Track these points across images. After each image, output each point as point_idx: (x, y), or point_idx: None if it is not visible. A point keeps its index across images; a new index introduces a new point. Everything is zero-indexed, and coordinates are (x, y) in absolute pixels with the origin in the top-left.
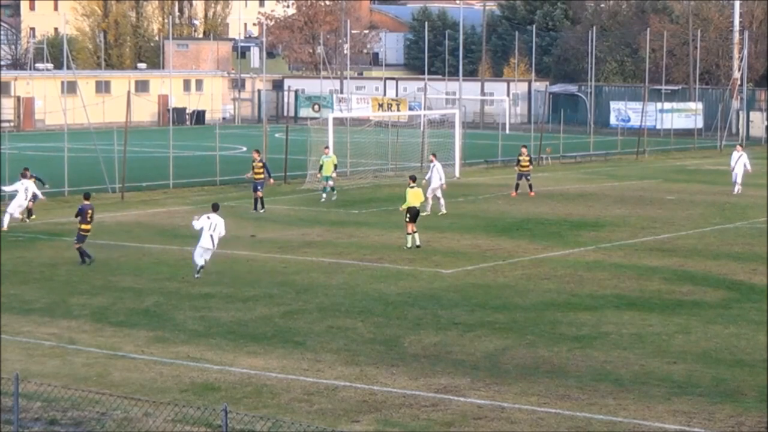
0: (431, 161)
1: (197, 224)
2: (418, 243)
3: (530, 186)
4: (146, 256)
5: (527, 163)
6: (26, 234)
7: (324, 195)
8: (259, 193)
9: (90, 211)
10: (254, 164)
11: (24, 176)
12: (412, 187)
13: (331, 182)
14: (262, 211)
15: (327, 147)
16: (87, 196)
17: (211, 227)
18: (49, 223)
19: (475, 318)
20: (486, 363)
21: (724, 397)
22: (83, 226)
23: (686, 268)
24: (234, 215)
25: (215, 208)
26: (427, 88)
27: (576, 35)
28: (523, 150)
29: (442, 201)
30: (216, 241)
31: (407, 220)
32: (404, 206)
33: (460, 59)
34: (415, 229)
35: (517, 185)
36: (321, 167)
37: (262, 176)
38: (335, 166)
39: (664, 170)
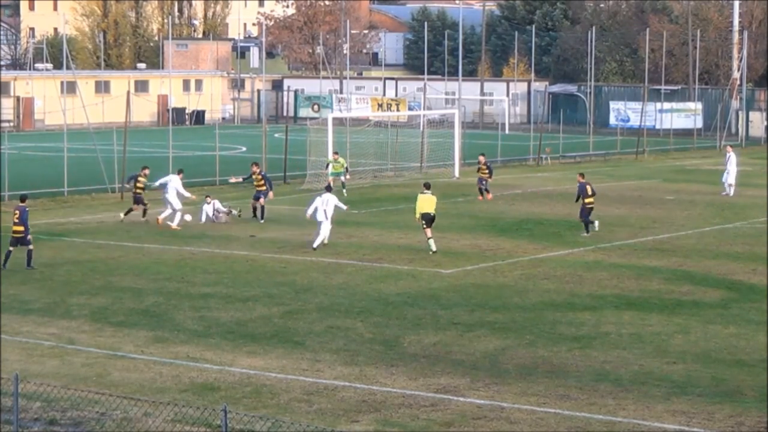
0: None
1: (310, 209)
2: (433, 248)
3: (486, 190)
4: (146, 256)
5: (486, 171)
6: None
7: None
8: (261, 201)
9: (17, 212)
10: (254, 176)
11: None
12: (424, 193)
13: (343, 178)
14: (261, 221)
15: (336, 152)
16: (21, 199)
17: (324, 203)
18: (48, 223)
19: (475, 318)
20: (485, 363)
21: (723, 397)
22: (12, 228)
23: (686, 268)
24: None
25: (328, 189)
26: (427, 88)
27: (575, 35)
28: (481, 158)
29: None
30: (330, 214)
31: (423, 225)
32: (417, 214)
33: (459, 59)
34: (430, 234)
35: (481, 189)
36: (328, 165)
37: (263, 187)
38: (346, 169)
39: (663, 170)
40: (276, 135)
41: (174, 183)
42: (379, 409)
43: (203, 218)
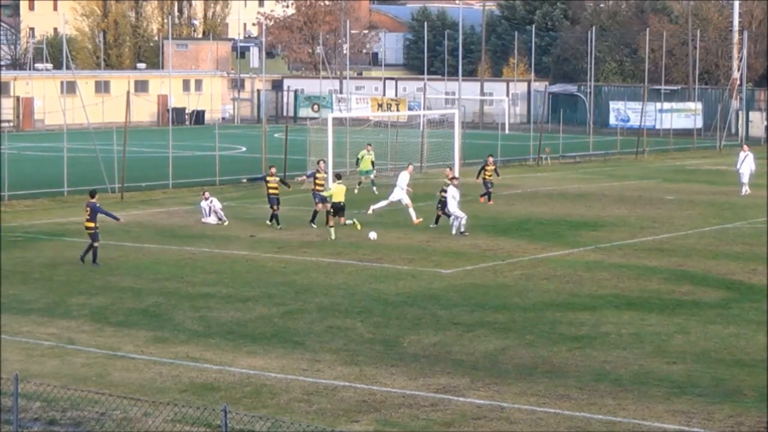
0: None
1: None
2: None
3: (489, 195)
4: (146, 256)
5: (491, 172)
6: (26, 234)
7: (357, 189)
8: (328, 206)
9: (88, 209)
10: (318, 175)
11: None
12: (335, 183)
13: (371, 176)
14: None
15: (369, 144)
16: (90, 194)
17: (450, 196)
18: (49, 223)
19: (475, 318)
20: (485, 363)
21: (723, 397)
22: (84, 224)
23: (685, 268)
24: (233, 215)
25: (453, 179)
26: (427, 88)
27: (575, 35)
28: (490, 159)
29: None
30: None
31: (331, 214)
32: (329, 195)
33: (459, 59)
34: (343, 221)
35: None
36: (358, 161)
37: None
38: (373, 163)
39: (663, 170)
40: (276, 135)
41: (404, 178)
42: (379, 409)
43: (205, 215)
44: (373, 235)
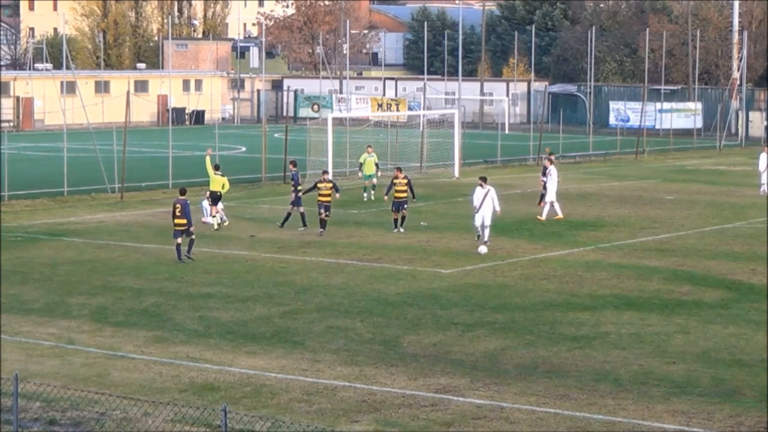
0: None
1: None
2: (221, 222)
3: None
4: (146, 256)
5: (549, 160)
6: (26, 234)
7: (365, 194)
8: (404, 212)
9: (178, 206)
10: (396, 181)
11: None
12: (216, 173)
13: (374, 180)
14: (400, 230)
15: (370, 146)
16: (181, 192)
17: (485, 196)
18: (49, 223)
19: (475, 318)
20: (485, 363)
21: (723, 397)
22: (174, 221)
23: (685, 268)
24: (234, 216)
25: (484, 180)
26: (427, 88)
27: (575, 35)
28: (551, 158)
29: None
30: (494, 206)
31: (210, 204)
32: (212, 186)
33: (459, 59)
34: (217, 211)
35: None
36: (361, 165)
37: (405, 195)
38: (377, 165)
39: (663, 170)
40: (276, 135)
41: (554, 175)
42: (379, 409)
43: (206, 214)
44: (483, 249)
